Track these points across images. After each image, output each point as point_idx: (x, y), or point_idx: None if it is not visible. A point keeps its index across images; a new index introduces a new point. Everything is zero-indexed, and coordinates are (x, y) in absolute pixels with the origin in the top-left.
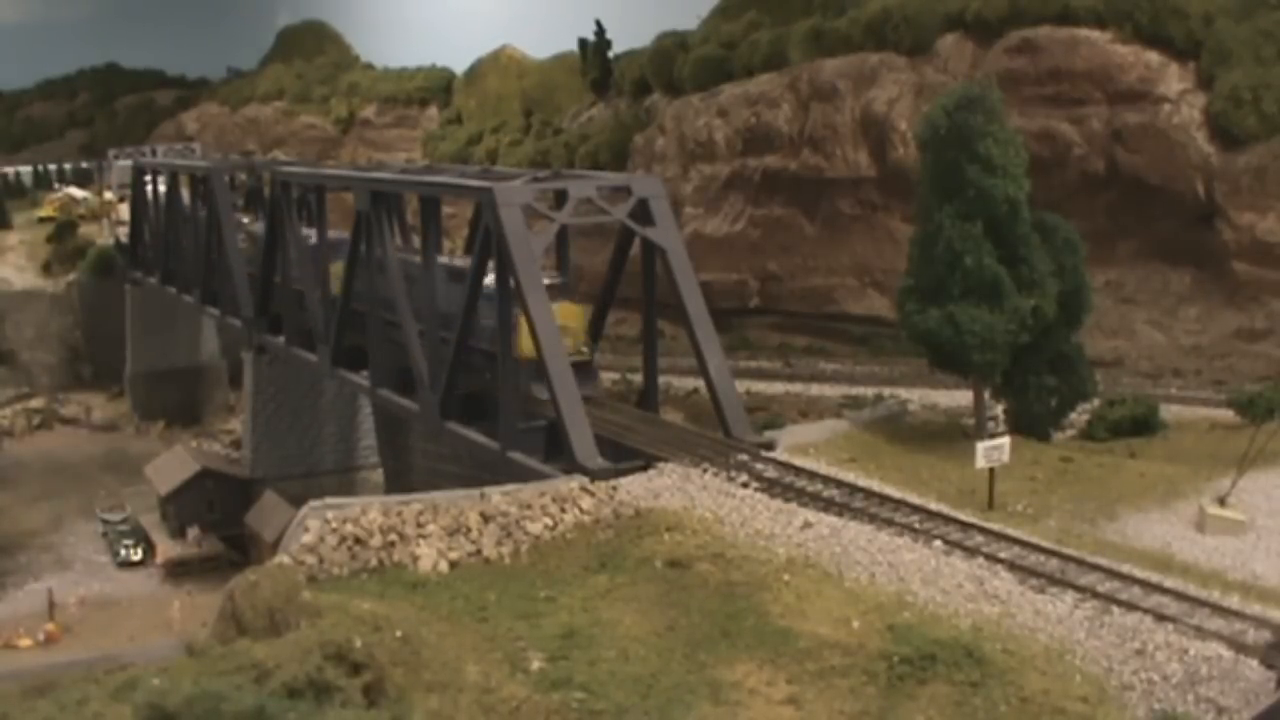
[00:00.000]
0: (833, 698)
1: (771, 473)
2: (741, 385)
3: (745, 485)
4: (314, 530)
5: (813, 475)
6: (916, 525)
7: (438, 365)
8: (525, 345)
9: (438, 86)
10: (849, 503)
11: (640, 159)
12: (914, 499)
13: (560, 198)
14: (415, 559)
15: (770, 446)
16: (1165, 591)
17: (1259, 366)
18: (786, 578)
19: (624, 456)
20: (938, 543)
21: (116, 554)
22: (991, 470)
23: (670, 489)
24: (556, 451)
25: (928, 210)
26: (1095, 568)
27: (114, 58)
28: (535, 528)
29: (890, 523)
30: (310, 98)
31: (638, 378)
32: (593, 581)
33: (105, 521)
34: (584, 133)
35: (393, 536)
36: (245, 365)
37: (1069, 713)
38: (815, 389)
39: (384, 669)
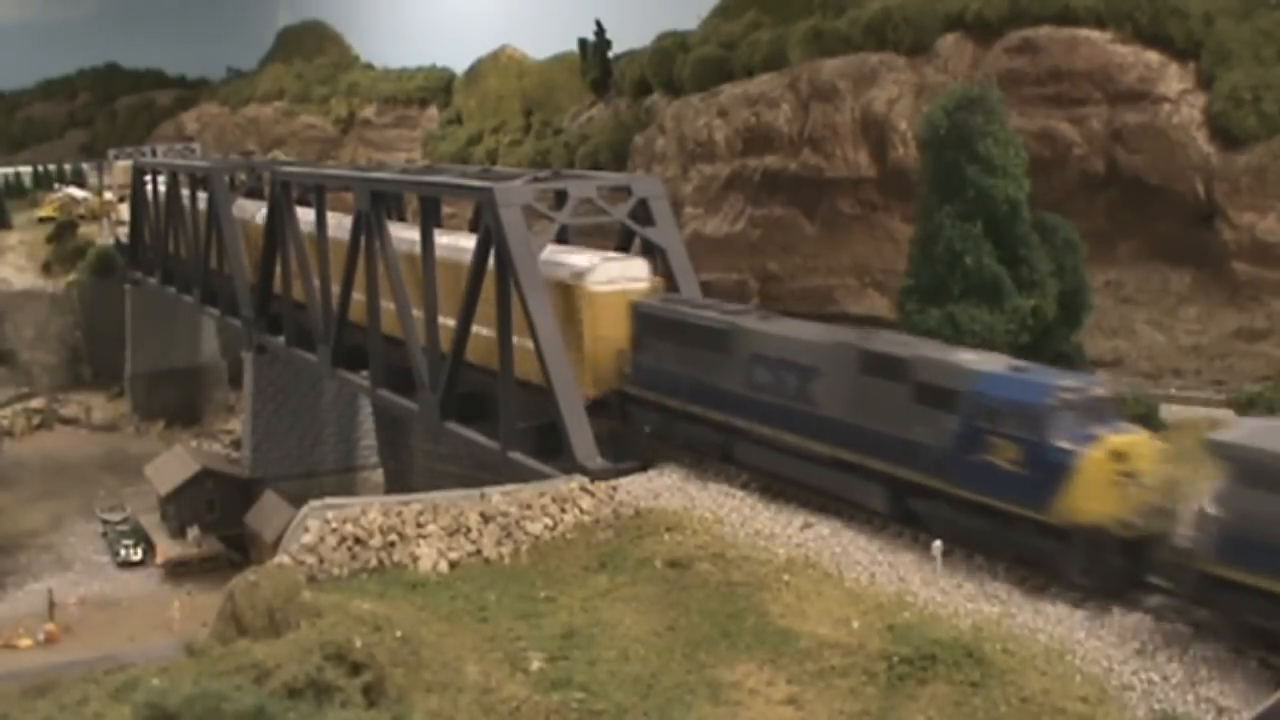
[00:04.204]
0: (833, 698)
1: None
2: None
3: (745, 485)
4: (314, 530)
5: None
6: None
7: (437, 365)
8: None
9: (438, 86)
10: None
11: (640, 159)
12: None
13: (560, 198)
14: (415, 559)
15: None
16: (1165, 591)
17: (1259, 366)
18: (786, 578)
19: None
20: (938, 542)
21: (116, 554)
22: None
23: (670, 489)
24: (556, 451)
25: (928, 210)
26: None
27: (114, 58)
28: (535, 528)
29: None
30: (310, 98)
31: None
32: (593, 581)
33: (105, 521)
34: (584, 133)
35: (393, 536)
36: (245, 365)
37: (1069, 713)
38: None
39: (384, 669)
